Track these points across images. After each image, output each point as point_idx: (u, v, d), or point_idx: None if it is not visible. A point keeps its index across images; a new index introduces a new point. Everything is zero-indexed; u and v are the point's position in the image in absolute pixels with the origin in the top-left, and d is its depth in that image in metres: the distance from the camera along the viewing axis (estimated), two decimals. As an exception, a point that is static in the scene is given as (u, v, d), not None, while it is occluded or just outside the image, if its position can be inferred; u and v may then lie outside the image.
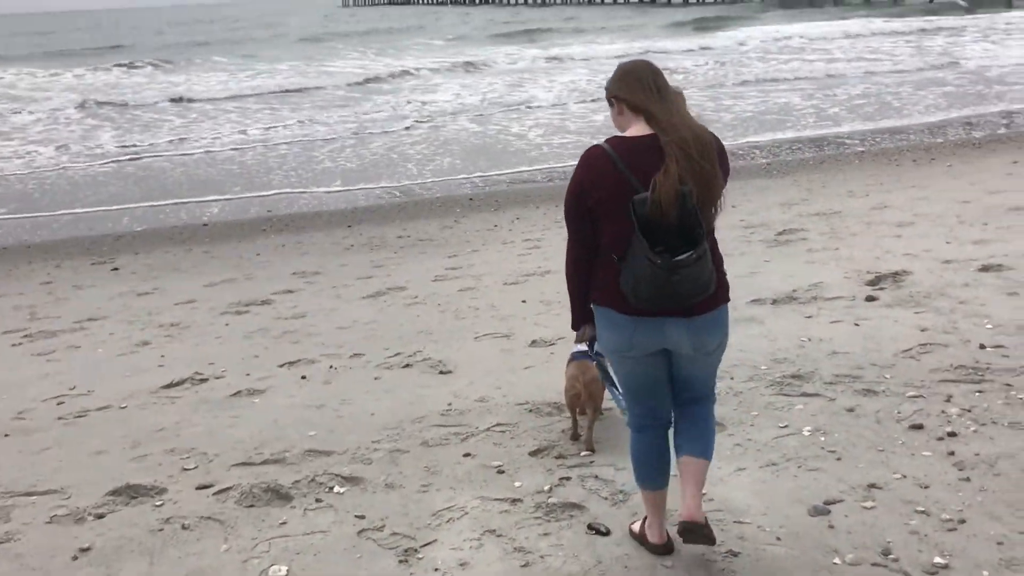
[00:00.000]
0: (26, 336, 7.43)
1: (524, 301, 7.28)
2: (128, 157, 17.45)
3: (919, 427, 4.25)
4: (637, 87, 3.08)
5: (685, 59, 30.91)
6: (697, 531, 3.20)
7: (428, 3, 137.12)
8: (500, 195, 13.46)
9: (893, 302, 6.30)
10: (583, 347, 4.12)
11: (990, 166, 12.65)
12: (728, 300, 3.22)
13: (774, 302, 6.57)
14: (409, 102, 23.44)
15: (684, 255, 2.86)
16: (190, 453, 4.64)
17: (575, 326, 3.40)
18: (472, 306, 7.25)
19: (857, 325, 5.84)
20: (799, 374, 5.05)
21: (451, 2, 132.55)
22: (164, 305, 8.20)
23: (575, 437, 4.44)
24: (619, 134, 3.16)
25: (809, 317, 6.13)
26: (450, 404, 5.04)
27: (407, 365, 5.82)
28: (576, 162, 3.19)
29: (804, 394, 4.77)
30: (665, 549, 3.38)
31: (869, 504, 3.61)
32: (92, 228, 12.40)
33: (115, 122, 21.49)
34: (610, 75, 3.24)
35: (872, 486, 3.75)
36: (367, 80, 28.03)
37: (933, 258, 7.41)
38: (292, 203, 13.61)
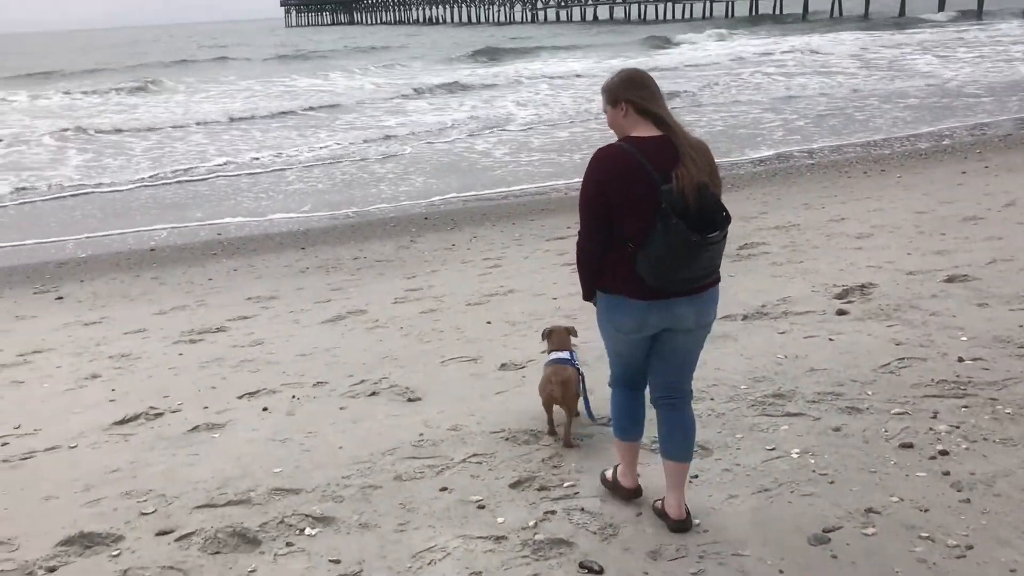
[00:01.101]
0: (-35, 372, 7.04)
1: (489, 322, 7.09)
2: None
3: (909, 446, 4.16)
4: (645, 93, 3.40)
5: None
6: (686, 525, 3.64)
7: (368, 23, 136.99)
8: (455, 213, 13.28)
9: (864, 315, 6.24)
10: (563, 355, 4.63)
11: (939, 176, 12.82)
12: (720, 281, 3.54)
13: (745, 318, 6.47)
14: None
15: (713, 233, 3.23)
16: (147, 496, 4.36)
17: (587, 298, 3.67)
18: (436, 328, 7.05)
19: (832, 340, 5.76)
20: (780, 393, 4.94)
21: (397, 21, 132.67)
22: (113, 335, 7.85)
23: (551, 433, 4.62)
24: (629, 134, 3.41)
25: (782, 333, 6.04)
26: (422, 434, 4.83)
27: (373, 393, 5.60)
28: (584, 166, 3.46)
29: (788, 414, 4.66)
30: (636, 493, 3.85)
31: (870, 531, 3.49)
32: (32, 255, 11.93)
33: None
34: (611, 78, 3.51)
35: (870, 511, 3.63)
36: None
37: (897, 269, 7.40)
38: (243, 226, 13.27)
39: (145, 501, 4.30)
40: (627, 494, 3.86)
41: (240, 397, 5.79)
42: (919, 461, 4.01)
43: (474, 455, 4.49)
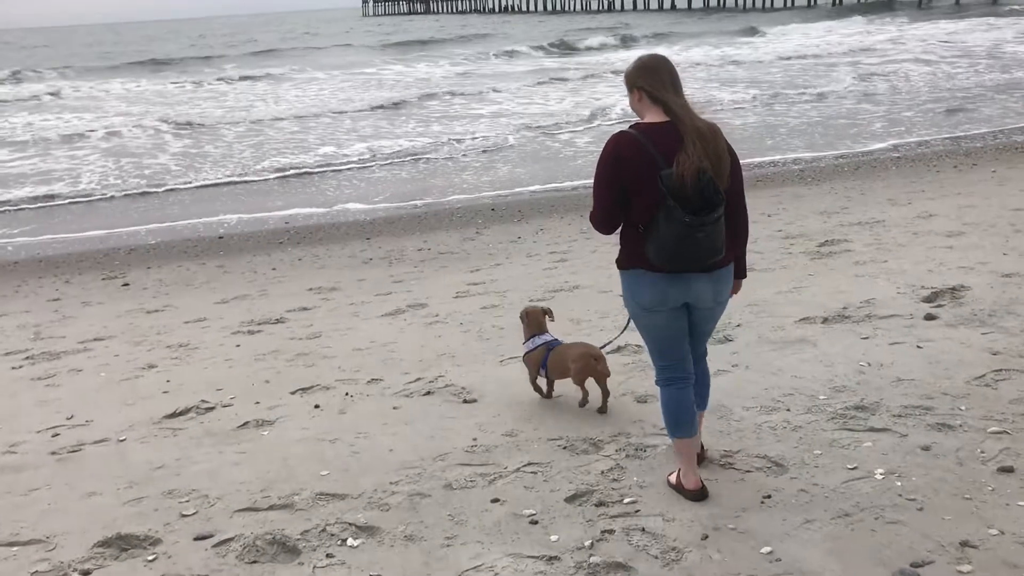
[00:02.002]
0: (28, 358, 7.04)
1: (552, 319, 6.79)
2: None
3: (1009, 470, 3.75)
4: (656, 80, 3.54)
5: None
6: (702, 495, 3.77)
7: (453, 12, 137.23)
8: (523, 205, 13.03)
9: (955, 321, 5.78)
10: (547, 337, 5.02)
11: (1037, 171, 12.10)
12: (743, 257, 3.81)
13: (824, 321, 6.06)
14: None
15: (707, 215, 3.37)
16: (189, 496, 4.19)
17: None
18: (496, 326, 6.79)
19: (920, 347, 5.33)
20: (863, 405, 4.55)
21: (472, 10, 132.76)
22: (173, 324, 7.80)
23: (583, 404, 4.89)
24: (640, 120, 3.60)
25: (865, 338, 5.62)
26: (475, 439, 4.57)
27: (428, 392, 5.37)
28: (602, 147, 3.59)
29: (871, 429, 4.27)
30: (701, 494, 3.77)
31: (966, 568, 3.11)
32: (105, 242, 12.05)
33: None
34: (629, 66, 3.68)
35: (965, 544, 3.25)
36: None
37: (991, 271, 6.89)
38: (311, 215, 13.22)
39: (187, 501, 4.14)
40: (691, 496, 3.79)
41: (293, 393, 5.62)
42: (1020, 488, 3.61)
43: (529, 464, 4.22)
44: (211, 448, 4.80)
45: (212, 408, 5.44)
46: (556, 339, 5.05)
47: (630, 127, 3.57)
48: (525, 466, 4.20)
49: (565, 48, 43.63)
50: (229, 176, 16.28)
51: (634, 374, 5.34)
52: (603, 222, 3.64)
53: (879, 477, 3.80)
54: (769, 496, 3.72)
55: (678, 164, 3.37)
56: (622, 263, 3.68)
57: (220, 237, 12.00)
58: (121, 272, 10.30)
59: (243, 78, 35.51)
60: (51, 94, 31.40)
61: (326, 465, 4.43)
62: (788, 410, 4.59)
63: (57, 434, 5.20)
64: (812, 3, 76.61)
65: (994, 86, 22.55)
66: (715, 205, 3.39)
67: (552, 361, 4.92)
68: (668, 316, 3.64)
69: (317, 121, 23.05)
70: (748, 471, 3.96)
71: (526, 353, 5.08)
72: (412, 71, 36.68)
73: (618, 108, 20.87)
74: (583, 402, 4.90)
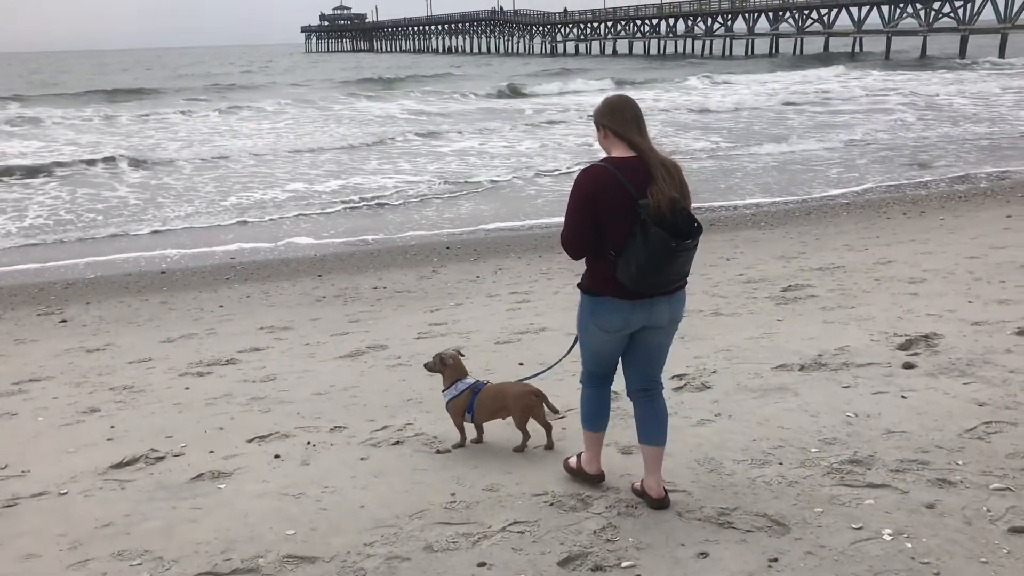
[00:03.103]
0: (-45, 400, 6.54)
1: (521, 364, 6.56)
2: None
3: (1020, 531, 3.59)
4: (619, 119, 3.75)
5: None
6: (666, 503, 4.01)
7: (395, 51, 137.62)
8: (478, 243, 12.82)
9: (934, 370, 5.68)
10: (469, 381, 4.85)
11: (983, 220, 12.28)
12: (687, 284, 3.92)
13: (802, 368, 5.92)
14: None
15: (689, 240, 3.61)
16: (142, 558, 3.82)
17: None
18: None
19: (904, 398, 5.20)
20: (857, 459, 4.38)
21: (415, 50, 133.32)
22: (116, 364, 7.36)
23: (523, 448, 4.78)
24: (608, 155, 3.79)
25: (847, 387, 5.48)
26: (454, 494, 4.28)
27: (397, 442, 5.06)
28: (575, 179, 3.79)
29: (870, 484, 4.09)
30: (600, 478, 4.24)
31: (999, 641, 2.92)
32: (40, 275, 11.48)
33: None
34: (597, 106, 3.89)
35: (993, 614, 3.06)
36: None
37: (960, 319, 6.84)
38: (257, 250, 12.82)
39: (139, 564, 3.77)
40: (592, 479, 4.23)
41: (250, 441, 5.26)
42: (1037, 551, 3.45)
43: (515, 523, 3.94)
44: (163, 503, 4.42)
45: (162, 457, 5.05)
46: (479, 380, 4.89)
47: (600, 160, 3.77)
48: (511, 525, 3.92)
49: (516, 93, 43.84)
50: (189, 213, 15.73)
51: (614, 423, 5.09)
52: (576, 249, 3.82)
53: (887, 538, 3.61)
54: (776, 559, 3.49)
55: (652, 195, 3.59)
56: (588, 288, 3.85)
57: (163, 272, 11.53)
58: (58, 307, 9.79)
59: (215, 111, 35.13)
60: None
61: (292, 523, 4.09)
62: (781, 463, 4.39)
63: (-10, 486, 4.77)
64: (774, 53, 78.60)
65: (941, 136, 23.16)
66: (691, 233, 3.63)
67: (482, 402, 4.75)
68: (620, 339, 3.91)
69: (281, 156, 22.74)
70: (749, 531, 3.74)
71: (450, 400, 4.84)
72: (376, 107, 36.57)
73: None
74: (522, 447, 4.78)
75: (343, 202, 16.31)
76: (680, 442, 4.74)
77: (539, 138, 25.41)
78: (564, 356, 4.66)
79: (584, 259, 3.86)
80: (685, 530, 3.78)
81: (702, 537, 3.69)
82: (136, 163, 21.08)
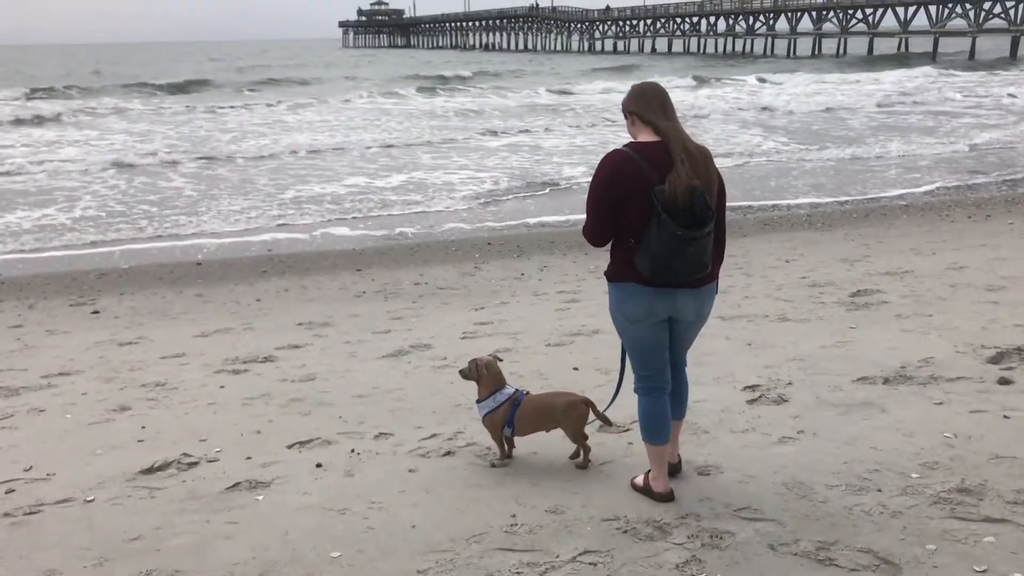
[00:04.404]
0: (-18, 393, 6.24)
1: (576, 368, 6.14)
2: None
3: None
4: (644, 104, 3.74)
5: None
6: (675, 470, 4.12)
7: (431, 47, 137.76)
8: (521, 239, 12.39)
9: (1035, 387, 5.17)
10: (509, 391, 4.37)
11: (1055, 225, 11.67)
12: (717, 278, 3.88)
13: (886, 381, 5.43)
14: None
15: (698, 230, 3.53)
16: (172, 579, 3.45)
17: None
18: (514, 372, 6.08)
19: (1007, 418, 4.70)
20: (966, 488, 3.90)
21: (452, 46, 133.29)
22: (149, 359, 7.03)
23: (586, 464, 4.37)
24: (633, 140, 3.77)
25: (939, 404, 4.99)
26: (514, 516, 3.86)
27: (448, 452, 4.65)
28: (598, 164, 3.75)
29: (987, 519, 3.62)
30: (669, 497, 3.93)
31: None
32: (74, 264, 11.23)
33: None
34: (626, 93, 3.88)
35: None
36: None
37: (1051, 331, 6.31)
38: (294, 242, 12.50)
39: (168, 587, 3.39)
40: (660, 498, 3.93)
41: (290, 447, 4.88)
42: None
43: (585, 552, 3.51)
44: (196, 515, 4.04)
45: (195, 463, 4.68)
46: (519, 390, 4.44)
47: (624, 146, 3.74)
48: (581, 555, 3.49)
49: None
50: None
51: (685, 439, 4.66)
52: (596, 236, 3.79)
53: (1019, 585, 3.14)
54: (893, 607, 3.04)
55: (670, 182, 3.54)
56: (612, 276, 3.82)
57: (198, 263, 11.23)
58: (91, 298, 9.51)
59: (279, 102, 34.87)
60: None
61: (336, 543, 3.69)
62: (880, 490, 3.92)
63: (12, 490, 4.43)
64: (817, 53, 77.22)
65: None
66: (706, 221, 3.55)
67: (525, 416, 4.33)
68: (652, 328, 3.81)
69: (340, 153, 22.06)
70: (854, 569, 3.29)
71: (487, 413, 4.37)
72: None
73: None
74: (585, 462, 4.36)
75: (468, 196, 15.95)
76: (762, 462, 4.29)
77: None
78: (620, 379, 4.15)
79: (609, 248, 3.82)
80: (780, 567, 3.34)
81: (801, 576, 3.24)
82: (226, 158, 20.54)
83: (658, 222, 3.51)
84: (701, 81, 44.72)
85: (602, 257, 10.76)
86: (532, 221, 13.71)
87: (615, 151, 3.72)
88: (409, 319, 8.12)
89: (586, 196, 3.76)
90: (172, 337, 7.71)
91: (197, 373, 6.54)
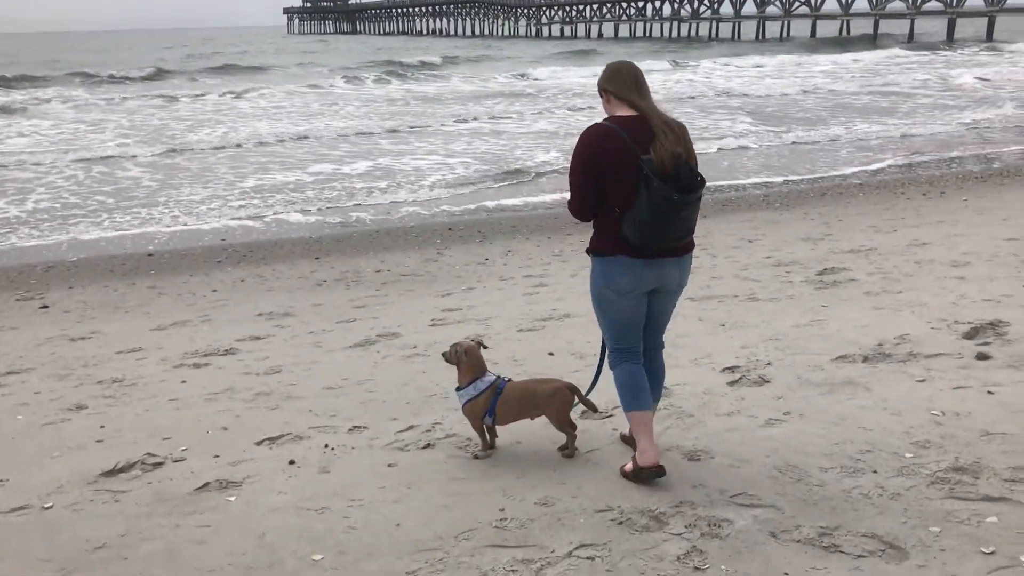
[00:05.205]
0: (-75, 395, 5.90)
1: (551, 353, 5.99)
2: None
3: None
4: (620, 82, 3.81)
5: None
6: (660, 472, 3.80)
7: (378, 33, 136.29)
8: (481, 224, 12.21)
9: (1014, 361, 5.15)
10: (490, 378, 4.22)
11: (1010, 201, 11.81)
12: (695, 246, 3.91)
13: (866, 359, 5.38)
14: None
15: (691, 194, 3.62)
16: (143, 590, 3.23)
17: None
18: (488, 359, 5.84)
19: (992, 393, 4.66)
20: (961, 466, 3.84)
21: (399, 32, 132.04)
22: (104, 354, 6.73)
23: (572, 452, 4.19)
24: (612, 115, 3.81)
25: (921, 381, 4.94)
26: (503, 510, 3.70)
27: (428, 445, 4.47)
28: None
29: (987, 498, 3.55)
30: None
31: None
32: (20, 257, 10.79)
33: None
34: (600, 73, 3.95)
35: None
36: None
37: (1021, 305, 6.33)
38: (248, 231, 12.16)
39: (140, 598, 3.18)
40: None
41: (259, 443, 4.66)
42: None
43: (580, 546, 3.37)
44: (165, 519, 3.82)
45: (161, 463, 4.45)
46: (500, 377, 4.28)
47: (604, 119, 3.80)
48: (577, 549, 3.35)
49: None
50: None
51: (671, 423, 4.54)
52: (581, 210, 3.82)
53: (1029, 566, 3.06)
54: (904, 594, 2.94)
55: (654, 150, 3.61)
56: (598, 250, 3.83)
57: (150, 254, 10.86)
58: (39, 292, 9.12)
59: (235, 91, 33.69)
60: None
61: (317, 545, 3.51)
62: (875, 472, 3.84)
63: (-38, 498, 4.15)
64: (761, 37, 77.82)
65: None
66: (694, 186, 3.63)
67: (507, 403, 4.17)
68: (636, 301, 3.85)
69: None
70: (861, 556, 3.19)
71: (467, 401, 4.21)
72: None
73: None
74: (571, 450, 4.20)
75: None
76: (752, 445, 4.19)
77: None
78: (601, 363, 4.21)
79: (593, 223, 3.85)
80: (784, 555, 3.23)
81: (807, 564, 3.14)
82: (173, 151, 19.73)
83: (648, 190, 3.57)
84: (677, 65, 44.83)
85: (565, 241, 10.69)
86: (491, 204, 13.52)
87: (596, 124, 3.77)
88: (374, 307, 7.91)
89: (568, 172, 3.82)
90: (127, 331, 7.40)
91: (156, 368, 6.27)
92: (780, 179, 15.14)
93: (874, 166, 16.05)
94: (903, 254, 8.59)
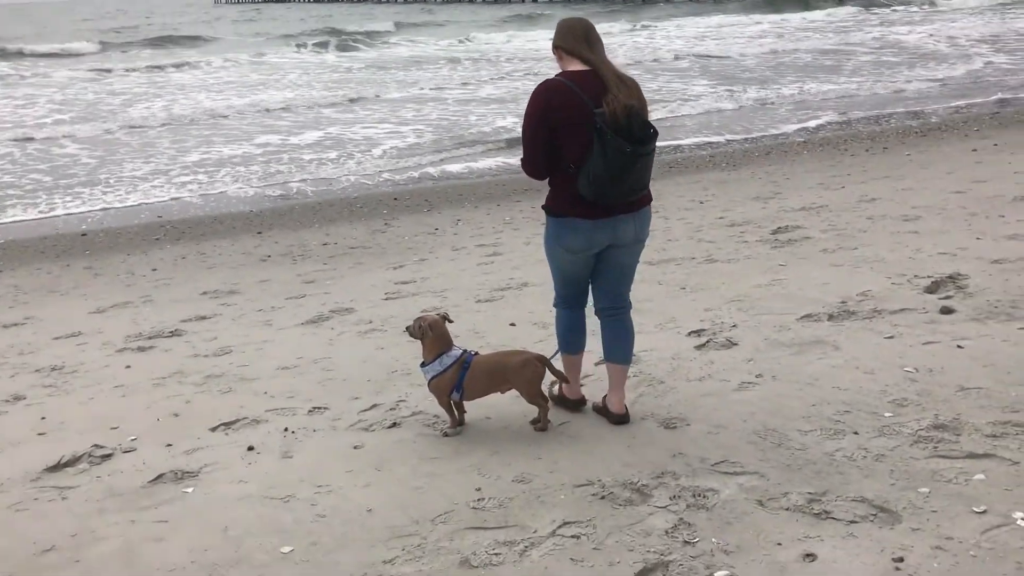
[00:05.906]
0: None
1: (513, 324, 5.83)
2: None
3: None
4: (571, 38, 3.80)
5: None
6: (626, 419, 4.06)
7: (307, 1, 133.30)
8: (428, 193, 11.95)
9: (978, 315, 5.14)
10: (456, 352, 4.06)
11: (951, 155, 11.92)
12: (652, 200, 3.92)
13: (831, 318, 5.32)
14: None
15: (645, 146, 3.61)
16: (100, 595, 3.01)
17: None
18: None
19: (961, 347, 4.64)
20: (941, 423, 3.78)
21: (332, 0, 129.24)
22: (40, 341, 6.39)
23: (545, 425, 4.09)
24: (564, 70, 3.80)
25: (890, 337, 4.90)
26: (479, 489, 3.55)
27: (394, 424, 4.29)
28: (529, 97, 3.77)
29: (971, 455, 3.50)
30: (581, 403, 4.27)
31: None
32: (-59, 241, 10.25)
33: None
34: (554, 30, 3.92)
35: None
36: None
37: (977, 258, 6.34)
38: (186, 207, 11.73)
39: (97, 604, 2.96)
40: (574, 405, 4.24)
41: (214, 429, 4.43)
42: None
43: (564, 524, 3.23)
44: (118, 516, 3.59)
45: (110, 455, 4.20)
46: (467, 351, 4.12)
47: (556, 75, 3.78)
48: (560, 527, 3.21)
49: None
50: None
51: (643, 391, 4.43)
52: (534, 167, 3.81)
53: (1021, 523, 3.01)
54: (901, 559, 2.86)
55: (607, 103, 3.60)
56: (552, 210, 3.86)
57: (83, 234, 10.41)
58: (-35, 277, 8.66)
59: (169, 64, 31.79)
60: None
61: (285, 536, 3.32)
62: (856, 433, 3.77)
63: None
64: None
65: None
66: (647, 138, 3.62)
67: (475, 377, 4.02)
68: (586, 259, 3.91)
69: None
70: (853, 521, 3.10)
71: (433, 377, 4.03)
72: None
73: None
74: (544, 423, 4.08)
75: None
76: (727, 410, 4.10)
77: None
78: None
79: (548, 180, 3.86)
80: (775, 524, 3.13)
81: (799, 533, 3.05)
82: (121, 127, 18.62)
83: (601, 143, 3.56)
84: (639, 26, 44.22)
85: (515, 208, 10.49)
86: (435, 172, 13.25)
87: (547, 80, 3.75)
88: (323, 282, 7.65)
89: (521, 128, 3.81)
90: (64, 315, 7.05)
91: (97, 353, 5.96)
92: (722, 138, 15.10)
93: (813, 123, 16.10)
94: (854, 210, 8.59)
